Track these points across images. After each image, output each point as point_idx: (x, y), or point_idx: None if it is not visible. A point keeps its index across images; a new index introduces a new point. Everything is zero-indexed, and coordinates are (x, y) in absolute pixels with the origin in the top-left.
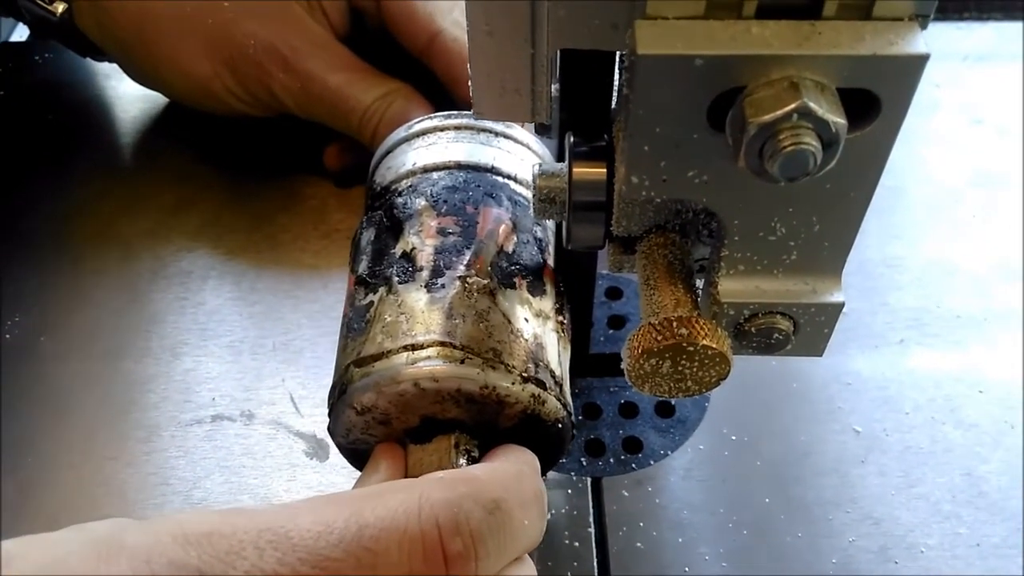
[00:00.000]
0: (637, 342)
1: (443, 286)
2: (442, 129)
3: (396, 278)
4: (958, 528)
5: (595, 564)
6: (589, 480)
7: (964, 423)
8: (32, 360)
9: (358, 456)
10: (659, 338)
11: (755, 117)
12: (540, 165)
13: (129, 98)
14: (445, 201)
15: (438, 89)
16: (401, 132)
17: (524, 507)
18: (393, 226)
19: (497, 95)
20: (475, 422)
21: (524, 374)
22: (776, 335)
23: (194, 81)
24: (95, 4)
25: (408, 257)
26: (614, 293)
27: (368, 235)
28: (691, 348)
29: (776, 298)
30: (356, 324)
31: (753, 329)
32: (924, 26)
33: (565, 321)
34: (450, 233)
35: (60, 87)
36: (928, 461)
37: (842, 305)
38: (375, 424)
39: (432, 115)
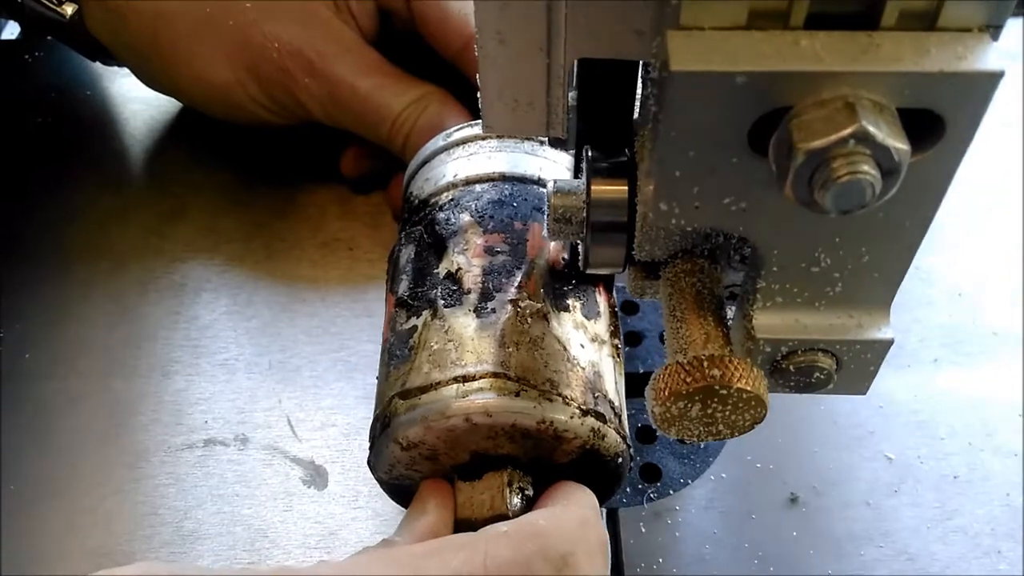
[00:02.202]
0: (664, 383)
1: (493, 311)
2: (484, 137)
3: (442, 301)
4: (999, 564)
5: None
6: (604, 511)
7: (1003, 449)
8: (15, 378)
9: (401, 492)
10: (688, 380)
11: (804, 142)
12: (555, 182)
13: (123, 99)
14: (491, 216)
15: (471, 95)
16: (439, 141)
17: (591, 558)
18: (435, 243)
19: (509, 108)
20: (529, 457)
21: (583, 407)
22: (817, 374)
23: (214, 88)
24: (106, 6)
25: (453, 278)
26: (630, 308)
27: (408, 252)
28: (724, 391)
29: (818, 334)
30: (399, 351)
31: (792, 367)
32: (996, 37)
33: (620, 344)
34: (498, 252)
35: (51, 88)
36: (966, 491)
37: (891, 342)
38: (421, 460)
39: (471, 122)
